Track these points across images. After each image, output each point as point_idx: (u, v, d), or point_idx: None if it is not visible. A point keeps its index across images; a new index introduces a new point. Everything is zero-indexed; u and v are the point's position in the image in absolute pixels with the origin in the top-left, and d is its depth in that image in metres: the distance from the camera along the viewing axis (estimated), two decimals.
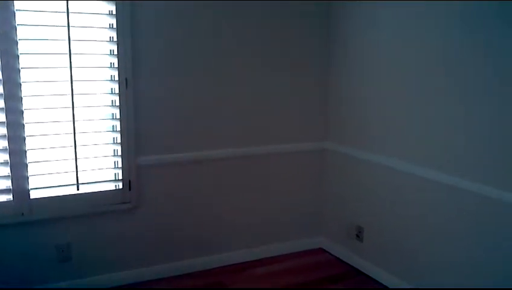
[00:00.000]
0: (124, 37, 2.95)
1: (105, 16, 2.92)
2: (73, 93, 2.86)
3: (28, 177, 2.83)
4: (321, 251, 3.87)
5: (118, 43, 2.94)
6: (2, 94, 2.70)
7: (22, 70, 2.73)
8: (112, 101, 3.03)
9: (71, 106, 2.86)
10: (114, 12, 2.91)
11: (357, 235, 3.53)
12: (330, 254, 3.80)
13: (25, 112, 2.77)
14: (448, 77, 2.77)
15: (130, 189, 3.14)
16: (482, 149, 2.61)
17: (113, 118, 3.05)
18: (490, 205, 2.57)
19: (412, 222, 3.07)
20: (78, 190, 2.98)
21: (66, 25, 2.78)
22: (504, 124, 2.48)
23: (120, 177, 3.11)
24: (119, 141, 3.07)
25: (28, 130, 2.80)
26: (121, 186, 3.12)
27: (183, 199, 3.35)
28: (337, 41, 3.60)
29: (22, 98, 2.74)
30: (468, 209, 2.70)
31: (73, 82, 2.85)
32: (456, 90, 2.73)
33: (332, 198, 3.78)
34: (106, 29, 2.94)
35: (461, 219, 2.74)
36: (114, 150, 3.07)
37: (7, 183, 2.81)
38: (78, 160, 2.93)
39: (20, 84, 2.73)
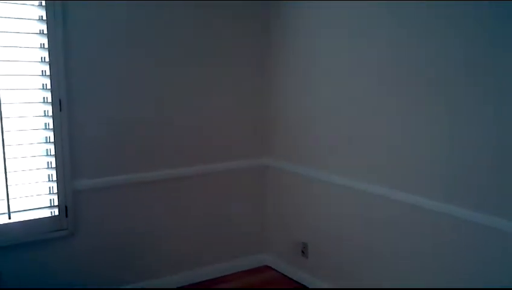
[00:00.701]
0: (57, 57, 2.84)
1: (36, 35, 2.81)
2: (2, 116, 2.71)
3: None
4: (267, 268, 3.85)
5: (50, 64, 2.83)
6: None
7: None
8: (46, 123, 2.90)
9: (0, 129, 2.71)
10: (45, 32, 2.81)
11: (302, 251, 3.53)
12: (276, 271, 3.79)
13: None
14: (391, 91, 2.85)
15: (66, 215, 3.00)
16: (421, 162, 2.69)
17: (47, 142, 2.91)
18: (433, 217, 2.63)
19: (355, 236, 3.11)
20: (9, 218, 2.81)
21: None
22: (433, 136, 2.58)
23: (56, 203, 2.97)
24: (54, 165, 2.93)
25: None
26: (57, 213, 2.98)
27: (121, 223, 3.24)
28: (277, 53, 3.64)
29: None
30: (411, 222, 2.76)
31: (2, 105, 2.70)
32: (397, 104, 2.80)
33: (276, 215, 3.78)
34: (37, 49, 2.82)
35: (404, 233, 2.81)
36: (49, 175, 2.94)
37: None
38: (9, 187, 2.77)
39: None
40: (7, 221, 2.81)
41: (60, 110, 2.90)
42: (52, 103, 2.87)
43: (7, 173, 2.76)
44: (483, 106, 2.35)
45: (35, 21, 2.80)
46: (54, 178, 2.94)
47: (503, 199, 2.29)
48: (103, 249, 3.19)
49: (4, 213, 2.79)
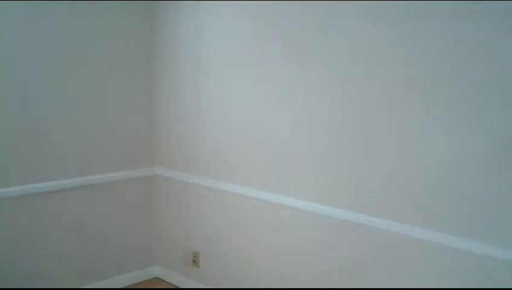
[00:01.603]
0: None
1: None
2: None
3: None
4: (158, 280, 3.68)
5: None
6: None
7: None
8: None
9: None
10: None
11: (193, 261, 3.41)
12: (167, 282, 3.63)
13: None
14: (278, 92, 2.80)
15: None
16: (310, 167, 2.69)
17: None
18: (321, 220, 2.68)
19: (246, 244, 3.08)
20: None
21: None
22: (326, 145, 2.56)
23: None
24: None
25: None
26: None
27: (6, 242, 2.94)
28: (161, 54, 3.50)
29: None
30: (301, 226, 2.78)
31: None
32: (289, 106, 2.77)
33: (167, 225, 3.64)
34: None
35: (296, 238, 2.82)
36: None
37: None
38: None
39: None
40: None
41: None
42: None
43: None
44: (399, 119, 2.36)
45: None
46: None
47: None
48: None
49: None
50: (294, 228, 2.79)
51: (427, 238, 2.24)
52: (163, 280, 3.67)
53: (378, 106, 2.35)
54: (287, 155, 2.78)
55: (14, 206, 2.97)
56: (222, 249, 3.23)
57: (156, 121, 3.57)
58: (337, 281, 2.62)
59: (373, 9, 2.33)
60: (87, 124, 3.25)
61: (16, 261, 3.01)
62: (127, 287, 3.55)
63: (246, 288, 3.09)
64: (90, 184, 3.29)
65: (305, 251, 2.75)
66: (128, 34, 3.39)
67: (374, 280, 2.45)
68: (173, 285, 3.59)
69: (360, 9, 2.37)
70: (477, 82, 2.04)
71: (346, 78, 2.46)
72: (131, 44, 3.41)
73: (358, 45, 2.40)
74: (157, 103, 3.55)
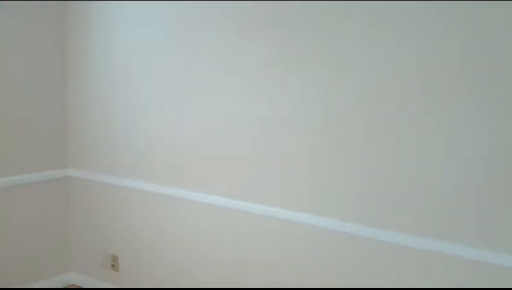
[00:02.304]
0: None
1: None
2: None
3: None
4: (74, 287, 3.53)
5: None
6: None
7: None
8: None
9: None
10: None
11: (112, 265, 3.32)
12: (83, 289, 3.50)
13: None
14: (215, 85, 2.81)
15: None
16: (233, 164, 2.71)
17: None
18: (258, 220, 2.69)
19: (169, 247, 3.04)
20: None
21: None
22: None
23: None
24: None
25: None
26: None
27: None
28: (74, 51, 3.34)
29: None
30: (229, 227, 2.79)
31: None
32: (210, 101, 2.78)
33: (82, 229, 3.49)
34: None
35: (222, 239, 2.82)
36: None
37: None
38: None
39: None
40: None
41: None
42: None
43: None
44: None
45: None
46: None
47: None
48: None
49: None
50: (222, 229, 2.79)
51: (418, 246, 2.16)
52: (79, 287, 3.54)
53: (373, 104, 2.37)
54: (212, 154, 2.77)
55: None
56: (143, 251, 3.15)
57: (69, 121, 3.42)
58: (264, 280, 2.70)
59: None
60: (6, 132, 3.07)
61: None
62: None
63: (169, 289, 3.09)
64: (2, 186, 3.10)
65: (234, 252, 2.77)
66: (37, 32, 3.21)
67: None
68: None
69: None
70: (476, 82, 1.97)
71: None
72: (41, 43, 3.25)
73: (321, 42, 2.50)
74: (69, 103, 3.41)
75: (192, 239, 2.92)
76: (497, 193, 1.97)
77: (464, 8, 1.97)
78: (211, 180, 2.79)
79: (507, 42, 1.89)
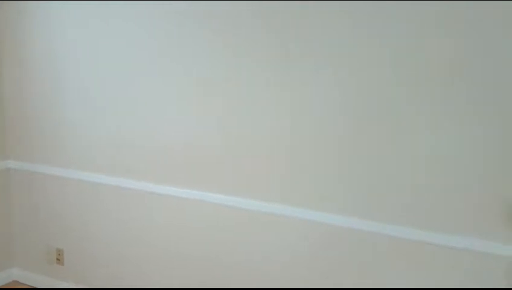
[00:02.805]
0: None
1: None
2: None
3: None
4: (16, 283, 3.40)
5: None
6: None
7: None
8: None
9: None
10: None
11: (57, 259, 3.22)
12: (27, 285, 3.37)
13: None
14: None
15: None
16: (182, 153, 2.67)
17: None
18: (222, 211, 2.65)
19: (117, 239, 2.97)
20: None
21: None
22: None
23: None
24: None
25: None
26: None
27: None
28: (11, 36, 3.17)
29: None
30: (185, 219, 2.74)
31: None
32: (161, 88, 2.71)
33: (25, 223, 3.35)
34: None
35: (177, 231, 2.77)
36: None
37: None
38: None
39: None
40: None
41: None
42: None
43: None
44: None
45: None
46: None
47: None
48: None
49: None
50: (178, 219, 2.74)
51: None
52: (22, 283, 3.39)
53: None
54: (152, 144, 2.72)
55: None
56: (90, 244, 3.06)
57: (7, 112, 3.24)
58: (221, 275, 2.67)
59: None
60: None
61: None
62: None
63: (117, 288, 2.99)
64: None
65: (186, 244, 2.73)
66: None
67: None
68: (33, 287, 3.33)
69: None
70: (473, 80, 1.96)
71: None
72: None
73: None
74: (6, 95, 3.23)
75: (141, 231, 2.86)
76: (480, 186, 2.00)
77: (446, 7, 1.97)
78: (161, 170, 2.74)
79: (489, 43, 1.91)
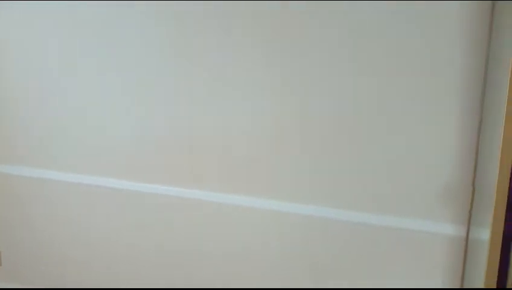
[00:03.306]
0: None
1: None
2: None
3: None
4: None
5: None
6: None
7: None
8: None
9: None
10: None
11: None
12: None
13: None
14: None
15: None
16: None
17: None
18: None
19: (61, 238, 2.84)
20: None
21: None
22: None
23: None
24: None
25: None
26: None
27: None
28: None
29: None
30: (127, 211, 2.67)
31: None
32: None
33: None
34: None
35: (125, 228, 2.69)
36: None
37: None
38: None
39: None
40: None
41: None
42: None
43: None
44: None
45: None
46: None
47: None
48: None
49: None
50: (124, 215, 2.65)
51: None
52: None
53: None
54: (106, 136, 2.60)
55: None
56: (30, 244, 2.90)
57: None
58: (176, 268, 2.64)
59: None
60: None
61: None
62: None
63: (59, 289, 2.88)
64: None
65: (133, 239, 2.67)
66: None
67: None
68: None
69: None
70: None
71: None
72: None
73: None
74: None
75: (84, 229, 2.77)
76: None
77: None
78: (105, 163, 2.64)
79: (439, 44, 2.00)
